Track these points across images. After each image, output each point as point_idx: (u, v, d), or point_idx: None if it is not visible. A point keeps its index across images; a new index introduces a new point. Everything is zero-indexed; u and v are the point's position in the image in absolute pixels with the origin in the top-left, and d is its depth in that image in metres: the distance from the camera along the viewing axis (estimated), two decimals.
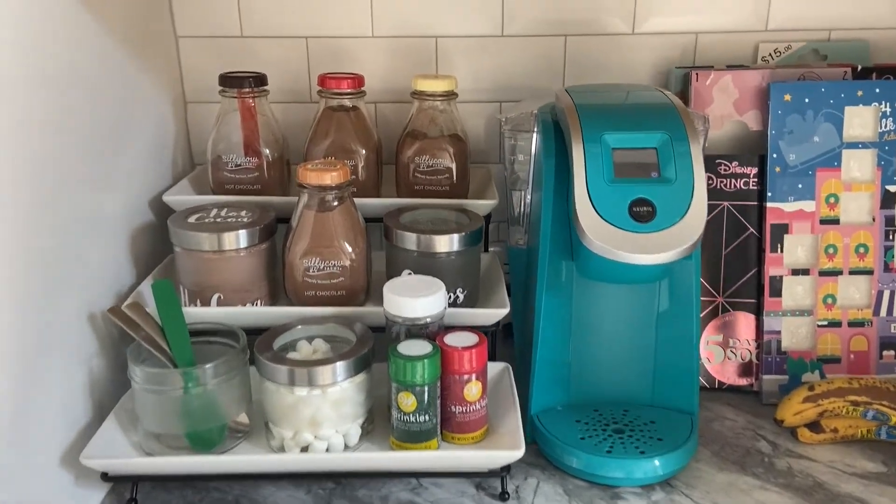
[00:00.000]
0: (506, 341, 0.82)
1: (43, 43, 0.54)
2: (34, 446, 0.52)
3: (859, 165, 0.73)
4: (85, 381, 0.60)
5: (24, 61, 0.51)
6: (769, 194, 0.73)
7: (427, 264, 0.65)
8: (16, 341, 0.50)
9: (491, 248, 0.80)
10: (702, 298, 0.75)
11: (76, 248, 0.58)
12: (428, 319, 0.58)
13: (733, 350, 0.76)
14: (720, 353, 0.76)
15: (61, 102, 0.56)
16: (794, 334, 0.74)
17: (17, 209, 0.51)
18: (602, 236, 0.56)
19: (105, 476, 0.56)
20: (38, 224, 0.53)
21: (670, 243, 0.56)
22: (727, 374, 0.76)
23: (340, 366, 0.55)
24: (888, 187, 0.73)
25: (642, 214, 0.57)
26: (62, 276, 0.56)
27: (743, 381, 0.76)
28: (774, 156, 0.73)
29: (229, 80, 0.73)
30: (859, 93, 0.72)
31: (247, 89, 0.73)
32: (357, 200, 0.68)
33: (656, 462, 0.61)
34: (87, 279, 0.60)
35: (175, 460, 0.55)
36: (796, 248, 0.74)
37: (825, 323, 0.74)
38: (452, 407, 0.58)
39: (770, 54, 0.81)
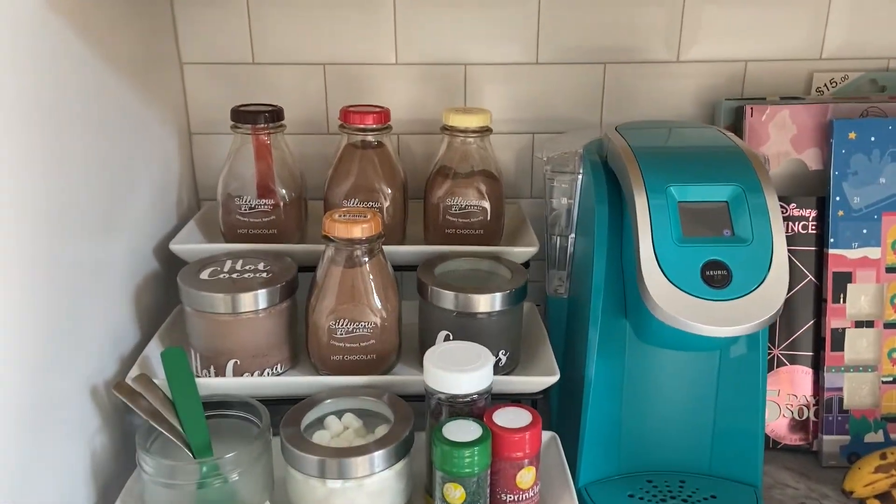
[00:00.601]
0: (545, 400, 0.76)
1: (37, 73, 0.47)
2: None
3: None
4: (87, 461, 0.53)
5: (15, 94, 0.44)
6: (831, 240, 0.67)
7: (466, 325, 0.58)
8: (10, 418, 0.43)
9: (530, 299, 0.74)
10: None
11: (75, 307, 0.52)
12: (475, 396, 0.52)
13: (789, 407, 0.70)
14: (776, 410, 0.70)
15: (56, 140, 0.49)
16: (856, 391, 0.68)
17: (10, 266, 0.44)
18: (672, 304, 0.50)
19: None
20: (36, 280, 0.46)
21: (749, 314, 0.50)
22: (780, 431, 0.70)
23: (379, 455, 0.48)
24: None
25: (717, 279, 0.50)
26: (60, 340, 0.50)
27: (797, 439, 0.70)
28: (837, 198, 0.67)
29: (242, 115, 0.66)
30: None
31: (262, 125, 0.66)
32: (385, 248, 0.61)
33: None
34: (87, 341, 0.54)
35: None
36: (860, 297, 0.68)
37: (890, 379, 0.68)
38: (503, 495, 0.51)
39: (825, 85, 0.75)
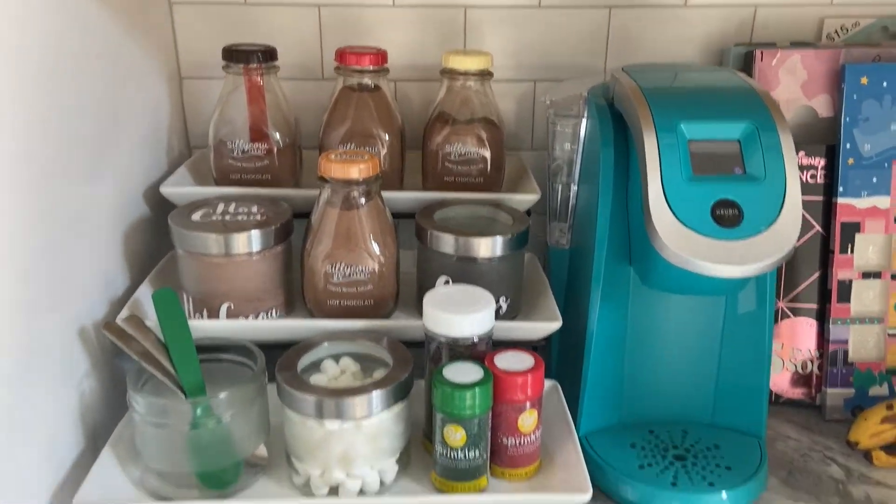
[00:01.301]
0: (545, 349, 0.75)
1: (21, 13, 0.44)
2: (18, 486, 0.44)
3: None
4: (75, 405, 0.51)
5: (0, 36, 0.42)
6: (840, 189, 0.66)
7: (466, 270, 0.57)
8: None
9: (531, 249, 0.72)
10: None
11: (64, 250, 0.50)
12: (475, 339, 0.50)
13: (793, 360, 0.69)
14: (778, 363, 0.69)
15: (43, 82, 0.47)
16: (862, 344, 0.67)
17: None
18: (680, 243, 0.48)
19: None
20: (20, 223, 0.44)
21: (760, 252, 0.48)
22: (783, 385, 0.69)
23: (377, 395, 0.47)
24: None
25: (727, 218, 0.49)
26: (48, 283, 0.48)
27: (800, 393, 0.69)
28: (848, 146, 0.65)
29: (234, 55, 0.63)
30: None
31: (254, 65, 0.64)
32: (384, 194, 0.59)
33: (724, 495, 0.55)
34: (77, 285, 0.52)
35: None
36: (868, 248, 0.66)
37: None
38: (504, 439, 0.50)
39: (836, 31, 0.73)
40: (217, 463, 0.48)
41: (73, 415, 0.51)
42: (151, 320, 0.53)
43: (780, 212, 0.49)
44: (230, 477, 0.49)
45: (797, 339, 0.68)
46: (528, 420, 0.50)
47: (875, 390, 0.67)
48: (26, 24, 0.45)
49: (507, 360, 0.50)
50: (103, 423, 0.54)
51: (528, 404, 0.49)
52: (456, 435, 0.47)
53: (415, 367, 0.51)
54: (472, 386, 0.47)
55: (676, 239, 0.49)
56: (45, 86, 0.47)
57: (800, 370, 0.69)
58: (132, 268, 0.60)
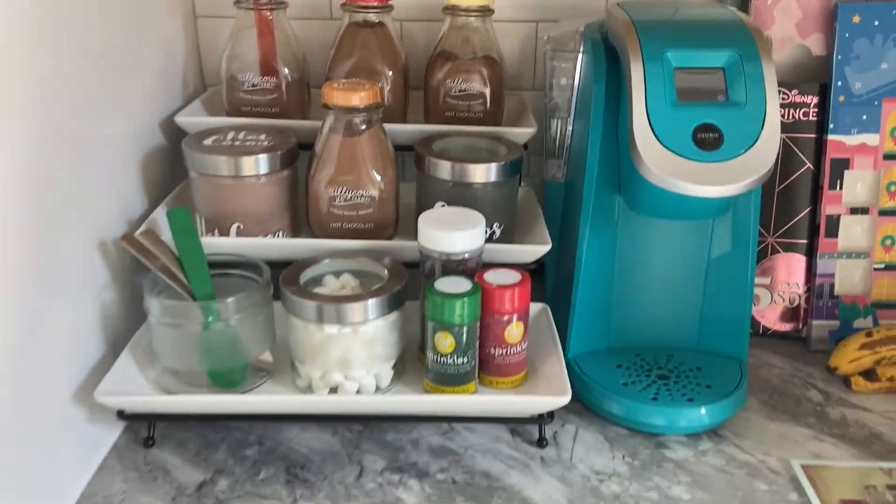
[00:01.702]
0: (534, 282, 0.78)
1: None
2: (44, 383, 0.49)
3: None
4: (96, 313, 0.55)
5: None
6: (831, 126, 0.67)
7: (462, 195, 0.60)
8: (22, 271, 0.46)
9: (523, 184, 0.75)
10: None
11: (84, 174, 0.53)
12: (466, 255, 0.53)
13: (781, 294, 0.71)
14: (767, 297, 0.71)
15: (64, 20, 0.50)
16: (848, 278, 0.70)
17: (21, 133, 0.45)
18: (662, 165, 0.51)
19: (121, 414, 0.53)
20: (43, 149, 0.48)
21: (738, 174, 0.51)
22: (773, 318, 0.71)
23: (373, 303, 0.51)
24: None
25: (708, 141, 0.51)
26: (70, 203, 0.51)
27: (788, 327, 0.71)
28: (839, 84, 0.67)
29: None
30: None
31: (264, 1, 0.66)
32: (386, 127, 0.62)
33: (703, 411, 0.58)
34: (96, 206, 0.56)
35: (195, 399, 0.52)
36: (856, 184, 0.68)
37: (882, 266, 0.69)
38: (492, 349, 0.54)
39: None
40: (226, 363, 0.52)
41: (94, 323, 0.55)
42: (167, 237, 0.56)
43: (758, 136, 0.51)
44: (238, 377, 0.53)
45: (786, 274, 0.71)
46: (514, 331, 0.53)
47: (860, 323, 0.70)
48: None
49: (496, 276, 0.53)
50: (122, 332, 0.58)
51: (514, 316, 0.53)
52: (445, 341, 0.51)
53: (412, 286, 0.55)
54: (460, 296, 0.50)
55: (659, 162, 0.51)
56: (64, 24, 0.50)
57: (788, 304, 0.71)
58: (149, 192, 0.64)
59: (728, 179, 0.50)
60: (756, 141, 0.51)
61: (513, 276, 0.53)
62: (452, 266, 0.54)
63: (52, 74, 0.49)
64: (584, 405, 0.61)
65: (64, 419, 0.51)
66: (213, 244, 0.58)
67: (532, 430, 0.58)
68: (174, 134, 0.67)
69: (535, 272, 0.75)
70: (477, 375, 0.54)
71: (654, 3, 0.62)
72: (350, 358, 0.51)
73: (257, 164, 0.58)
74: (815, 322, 0.70)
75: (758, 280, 0.71)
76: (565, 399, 0.52)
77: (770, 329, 0.72)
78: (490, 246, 0.57)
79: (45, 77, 0.48)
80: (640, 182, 0.53)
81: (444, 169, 0.60)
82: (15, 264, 0.45)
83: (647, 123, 0.52)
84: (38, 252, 0.48)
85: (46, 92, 0.48)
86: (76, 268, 0.53)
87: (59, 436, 0.50)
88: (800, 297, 0.71)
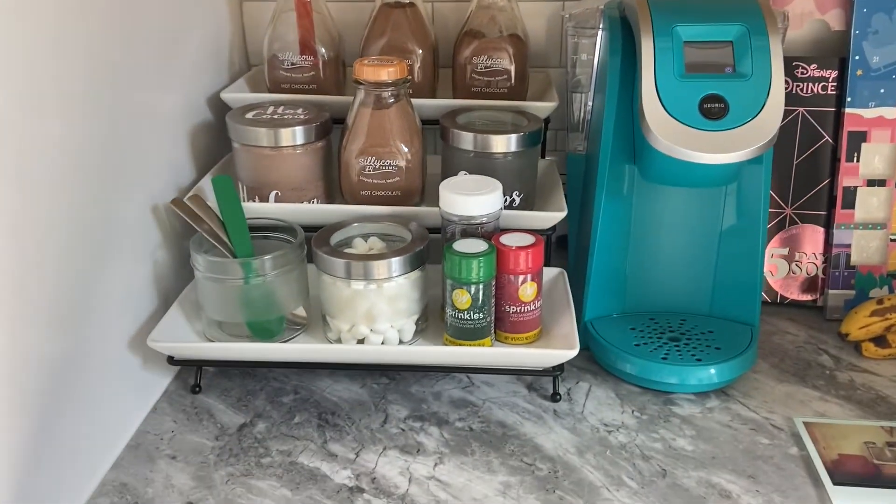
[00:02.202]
0: (559, 252, 0.81)
1: None
2: (104, 332, 0.54)
3: None
4: (149, 271, 0.61)
5: None
6: (849, 99, 0.69)
7: (484, 165, 0.63)
8: (82, 230, 0.51)
9: (548, 157, 0.78)
10: (769, 209, 0.72)
11: (138, 145, 0.59)
12: (484, 219, 0.57)
13: (798, 264, 0.73)
14: (785, 267, 0.73)
15: (121, 5, 0.56)
16: (864, 248, 0.71)
17: (84, 107, 0.51)
18: (669, 134, 0.54)
19: (171, 359, 0.58)
20: (101, 121, 0.53)
21: (742, 142, 0.53)
22: (791, 288, 0.73)
23: (396, 261, 0.55)
24: None
25: (713, 111, 0.54)
26: (126, 171, 0.57)
27: (807, 297, 0.73)
28: (857, 58, 0.68)
29: None
30: None
31: None
32: (414, 101, 0.66)
33: (712, 370, 0.61)
34: (149, 174, 0.61)
35: (237, 346, 0.57)
36: (874, 157, 0.70)
37: None
38: (507, 307, 0.58)
39: None
40: (263, 315, 0.57)
41: (148, 279, 0.61)
42: (212, 202, 0.62)
43: (763, 106, 0.54)
44: (275, 328, 0.58)
45: (805, 245, 0.73)
46: (528, 290, 0.57)
47: (875, 292, 0.71)
48: None
49: (512, 239, 0.57)
50: (173, 288, 0.64)
51: (528, 276, 0.57)
52: (462, 298, 0.55)
53: (436, 251, 0.59)
54: (476, 255, 0.54)
55: (666, 131, 0.54)
56: (121, 8, 0.56)
57: (806, 274, 0.73)
58: (197, 162, 0.70)
59: (731, 147, 0.53)
60: (760, 111, 0.54)
61: (527, 240, 0.57)
62: (471, 230, 0.58)
63: (111, 54, 0.55)
64: (599, 366, 0.65)
65: (121, 364, 0.57)
66: (254, 209, 0.63)
67: (547, 386, 0.62)
68: (220, 109, 0.72)
69: (560, 241, 0.79)
70: (493, 331, 0.58)
71: None
72: (375, 312, 0.56)
73: (294, 136, 0.63)
74: (831, 291, 0.72)
75: (776, 251, 0.73)
76: (573, 352, 0.55)
77: (788, 299, 0.74)
78: (508, 212, 0.61)
79: (103, 56, 0.54)
80: (649, 151, 0.56)
81: (466, 140, 0.63)
82: (78, 226, 0.51)
83: (656, 94, 0.55)
84: (99, 215, 0.53)
85: (105, 70, 0.54)
86: (132, 229, 0.59)
87: (117, 379, 0.56)
88: (817, 267, 0.73)
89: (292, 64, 0.73)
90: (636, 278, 0.67)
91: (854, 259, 0.71)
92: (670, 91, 0.54)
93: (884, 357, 0.66)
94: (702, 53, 0.55)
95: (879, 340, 0.66)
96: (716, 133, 0.53)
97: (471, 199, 0.56)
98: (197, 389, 0.62)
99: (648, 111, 0.54)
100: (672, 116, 0.54)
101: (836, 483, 0.52)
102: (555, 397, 0.60)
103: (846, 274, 0.71)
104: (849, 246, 0.71)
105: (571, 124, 0.75)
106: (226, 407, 0.61)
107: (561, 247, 0.82)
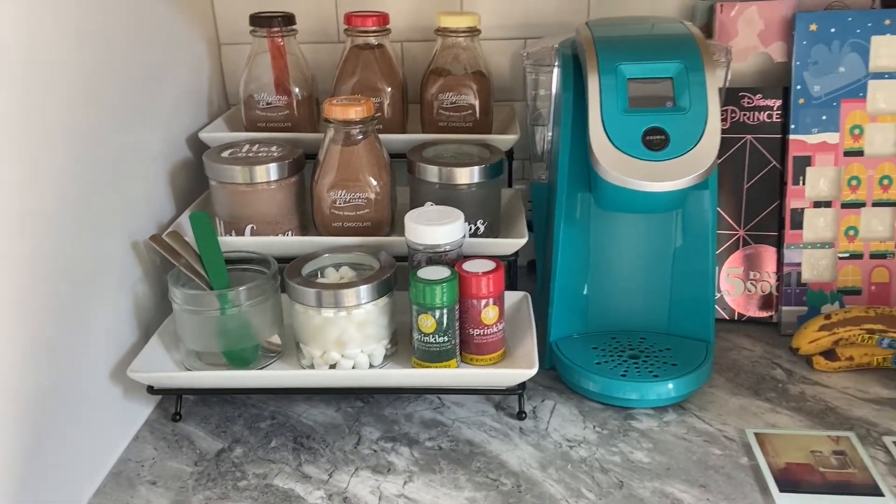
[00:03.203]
0: (530, 276, 0.85)
1: None
2: (84, 362, 0.57)
3: (885, 96, 0.72)
4: (130, 304, 0.64)
5: (70, 9, 0.54)
6: (792, 126, 0.73)
7: (449, 196, 0.67)
8: (66, 266, 0.55)
9: (515, 186, 0.82)
10: (723, 232, 0.76)
11: (120, 183, 0.62)
12: (447, 247, 0.61)
13: (754, 282, 0.77)
14: (740, 286, 0.77)
15: (104, 47, 0.59)
16: (814, 266, 0.75)
17: (68, 147, 0.54)
18: (616, 165, 0.58)
19: (151, 389, 0.61)
20: (84, 160, 0.57)
21: (682, 170, 0.57)
22: (747, 306, 0.77)
23: (364, 289, 0.58)
24: None
25: (655, 143, 0.58)
26: (107, 208, 0.60)
27: (763, 314, 0.77)
28: (798, 87, 0.73)
29: (259, 20, 0.75)
30: (887, 21, 0.71)
31: (276, 28, 0.75)
32: (382, 136, 0.70)
33: (669, 385, 0.64)
34: (130, 211, 0.64)
35: (214, 374, 0.60)
36: (818, 180, 0.74)
37: (846, 255, 0.74)
38: (471, 330, 0.61)
39: None
40: (239, 344, 0.60)
41: (128, 312, 0.64)
42: (190, 238, 0.65)
43: (700, 137, 0.58)
44: (250, 356, 0.61)
45: (758, 264, 0.76)
46: (490, 314, 0.60)
47: (826, 308, 0.75)
48: (84, 3, 0.58)
49: (474, 265, 0.61)
50: (152, 321, 0.67)
51: (490, 300, 0.60)
52: (427, 322, 0.58)
53: (405, 279, 0.62)
54: (439, 282, 0.58)
55: (612, 162, 0.58)
56: (106, 50, 0.60)
57: (761, 292, 0.77)
58: (176, 200, 0.73)
59: (673, 176, 0.57)
60: (699, 142, 0.57)
61: (488, 266, 0.61)
62: (436, 257, 0.61)
63: (94, 95, 0.58)
64: (564, 384, 0.68)
65: (103, 394, 0.60)
66: (230, 243, 0.66)
67: (514, 405, 0.65)
68: (199, 148, 0.76)
69: (531, 266, 0.82)
70: (458, 354, 0.61)
71: (617, 21, 0.69)
72: (345, 339, 0.59)
73: (268, 173, 0.66)
74: (784, 308, 0.75)
75: (732, 270, 0.77)
76: (532, 371, 0.58)
77: (745, 316, 0.77)
78: (472, 240, 0.65)
79: (87, 98, 0.57)
80: (600, 180, 0.60)
81: (432, 172, 0.67)
82: (62, 262, 0.54)
83: (602, 128, 0.58)
84: (82, 250, 0.57)
85: (89, 111, 0.57)
86: (113, 265, 0.62)
87: (99, 409, 0.59)
88: (771, 285, 0.76)
89: (268, 103, 0.77)
90: (597, 300, 0.71)
91: (805, 277, 0.75)
92: (615, 124, 0.58)
93: (834, 370, 0.69)
94: (644, 89, 0.59)
95: (829, 354, 0.69)
96: (658, 163, 0.57)
97: (434, 228, 0.60)
98: (177, 417, 0.65)
99: (595, 143, 0.58)
100: (617, 148, 0.58)
101: (782, 490, 0.55)
102: (520, 415, 0.63)
103: (798, 291, 0.75)
104: (799, 264, 0.75)
105: (535, 155, 0.79)
106: (205, 434, 0.64)
107: (532, 271, 0.86)
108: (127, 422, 0.63)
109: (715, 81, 0.59)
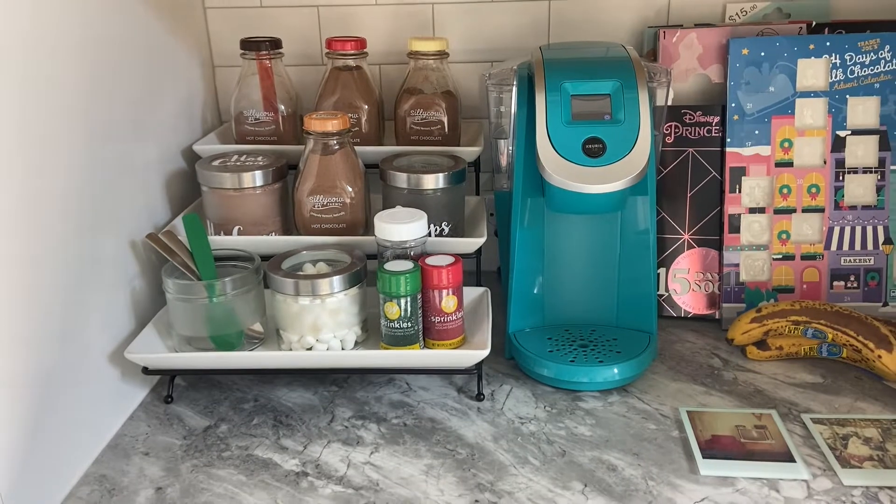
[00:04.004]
0: (500, 281, 0.92)
1: (90, 15, 0.65)
2: (86, 349, 0.64)
3: (811, 113, 0.80)
4: (128, 297, 0.71)
5: (73, 31, 0.62)
6: (729, 140, 0.81)
7: (416, 200, 0.75)
8: (71, 262, 0.62)
9: (482, 194, 0.89)
10: (670, 236, 0.83)
11: (120, 189, 0.70)
12: (412, 243, 0.68)
13: (698, 283, 0.84)
14: (686, 285, 0.84)
15: (109, 67, 0.67)
16: (751, 267, 0.82)
17: (71, 155, 0.62)
18: (560, 171, 0.66)
19: (145, 370, 0.68)
20: (88, 167, 0.64)
21: (617, 175, 0.65)
22: (694, 304, 0.84)
23: (337, 279, 0.66)
24: (838, 132, 0.80)
25: (594, 151, 0.66)
26: (108, 211, 0.68)
27: (708, 311, 0.84)
28: (733, 105, 0.81)
29: (249, 44, 0.83)
30: (811, 46, 0.79)
31: (264, 52, 0.83)
32: (359, 148, 0.78)
33: (615, 370, 0.71)
34: (129, 215, 0.72)
35: (203, 356, 0.67)
36: (753, 188, 0.81)
37: (780, 256, 0.82)
38: (432, 317, 0.68)
39: (737, 14, 0.88)
40: (226, 329, 0.67)
41: (126, 304, 0.71)
42: (183, 238, 0.72)
43: (633, 146, 0.65)
44: (235, 341, 0.68)
45: (702, 265, 0.84)
46: (449, 303, 0.67)
47: (763, 305, 0.82)
48: (94, 23, 0.66)
49: (435, 260, 0.68)
50: (147, 312, 0.74)
51: (449, 290, 0.67)
52: (392, 310, 0.66)
53: (374, 274, 0.69)
54: (404, 273, 0.65)
55: (557, 168, 0.66)
56: (109, 69, 0.68)
57: (704, 291, 0.84)
58: (171, 204, 0.81)
59: (609, 179, 0.65)
60: (632, 150, 0.65)
61: (448, 260, 0.68)
62: (402, 253, 0.69)
63: (99, 113, 0.66)
64: (521, 372, 0.75)
65: (101, 378, 0.66)
66: (219, 242, 0.73)
67: (473, 388, 0.72)
68: (193, 159, 0.84)
69: (498, 273, 0.89)
70: (422, 339, 0.68)
71: (568, 45, 0.77)
72: (319, 324, 0.66)
73: (254, 179, 0.74)
74: (725, 305, 0.83)
75: (678, 271, 0.84)
76: (485, 352, 0.66)
77: (690, 313, 0.84)
78: (436, 239, 0.72)
79: (92, 115, 0.65)
80: (547, 185, 0.67)
81: (401, 179, 0.75)
82: (68, 259, 0.61)
83: (548, 138, 0.66)
84: (86, 249, 0.64)
85: (96, 125, 0.65)
86: (113, 261, 0.69)
87: (97, 390, 0.66)
88: (713, 284, 0.84)
89: (256, 119, 0.85)
90: (552, 295, 0.78)
91: (743, 277, 0.82)
92: (559, 135, 0.66)
93: (765, 358, 0.76)
94: (585, 104, 0.67)
95: (761, 344, 0.76)
96: (596, 168, 0.65)
97: (400, 226, 0.67)
98: (169, 399, 0.71)
99: (542, 152, 0.66)
100: (561, 156, 0.66)
101: (705, 457, 0.62)
102: (479, 397, 0.70)
103: (737, 289, 0.82)
104: (738, 265, 0.82)
105: (497, 166, 0.87)
106: (194, 413, 0.70)
107: (499, 273, 0.93)
108: (123, 403, 0.70)
109: (646, 97, 0.67)
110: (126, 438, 0.67)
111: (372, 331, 0.72)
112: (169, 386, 0.72)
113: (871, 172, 0.80)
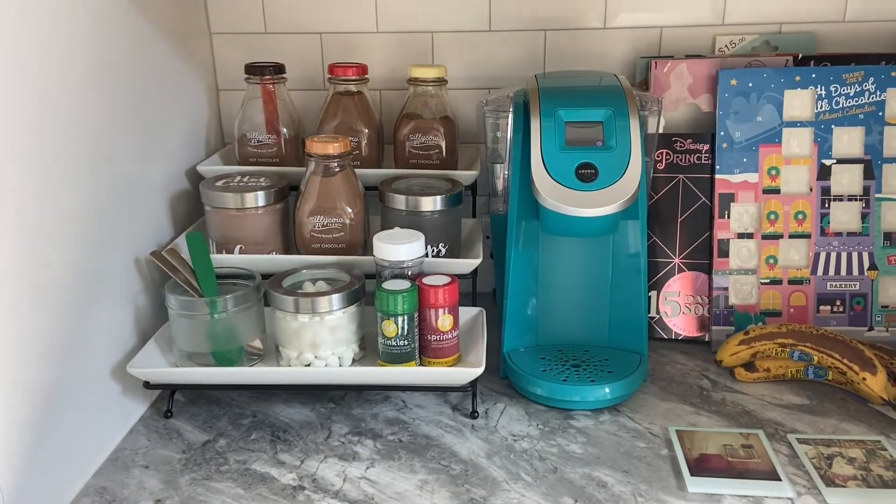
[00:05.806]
0: (496, 302, 0.94)
1: (99, 41, 0.67)
2: (89, 364, 0.65)
3: (798, 142, 0.83)
4: (131, 313, 0.73)
5: (85, 57, 0.65)
6: (718, 167, 0.83)
7: (414, 222, 0.77)
8: (77, 278, 0.63)
9: (479, 217, 0.91)
10: (661, 259, 0.86)
11: (126, 208, 0.72)
12: (410, 263, 0.70)
13: (688, 306, 0.86)
14: (677, 308, 0.86)
15: (117, 90, 0.70)
16: (740, 291, 0.84)
17: (79, 175, 0.64)
18: (553, 195, 0.68)
19: (147, 384, 0.70)
20: (97, 188, 0.66)
21: (609, 199, 0.67)
22: (684, 327, 0.86)
23: (336, 297, 0.67)
24: (823, 161, 0.83)
25: (587, 176, 0.68)
26: (114, 229, 0.70)
27: (698, 334, 0.86)
28: (722, 133, 0.83)
29: (253, 69, 0.86)
30: (797, 78, 0.82)
31: (268, 76, 0.86)
32: (359, 171, 0.80)
33: (606, 389, 0.72)
34: (134, 233, 0.74)
35: (203, 371, 0.69)
36: (742, 214, 0.84)
37: (767, 281, 0.84)
38: (429, 336, 0.70)
39: (726, 45, 0.91)
40: (226, 346, 0.69)
41: (130, 320, 0.73)
42: (186, 256, 0.74)
43: (624, 172, 0.68)
44: (235, 357, 0.70)
45: (692, 289, 0.86)
46: (445, 322, 0.69)
47: (752, 329, 0.84)
48: (104, 47, 0.68)
49: (432, 280, 0.70)
50: (150, 328, 0.76)
51: (445, 309, 0.69)
52: (389, 328, 0.67)
53: (372, 294, 0.71)
54: (401, 292, 0.67)
55: (550, 192, 0.68)
56: (117, 93, 0.70)
57: (694, 314, 0.86)
58: (175, 224, 0.83)
59: (601, 203, 0.67)
60: (623, 175, 0.68)
61: (444, 280, 0.70)
62: (399, 273, 0.70)
63: (107, 135, 0.68)
64: (515, 391, 0.77)
65: (103, 391, 0.68)
66: (221, 260, 0.75)
67: (468, 406, 0.73)
68: (197, 179, 0.86)
69: (494, 295, 0.91)
70: (418, 357, 0.70)
71: (562, 74, 0.80)
72: (318, 341, 0.68)
73: (256, 199, 0.76)
74: (714, 328, 0.85)
75: (669, 294, 0.86)
76: (479, 370, 0.67)
77: (681, 335, 0.86)
78: (433, 259, 0.74)
79: (101, 135, 0.67)
80: (541, 208, 0.70)
81: (399, 201, 0.77)
82: (74, 274, 0.63)
83: (542, 163, 0.69)
84: (91, 265, 0.66)
85: (101, 146, 0.67)
86: (118, 278, 0.71)
87: (99, 404, 0.67)
88: (703, 307, 0.86)
89: (259, 141, 0.87)
90: (545, 316, 0.80)
91: (732, 300, 0.84)
92: (553, 160, 0.69)
93: (753, 380, 0.78)
94: (578, 131, 0.70)
95: (749, 366, 0.78)
96: (588, 192, 0.67)
97: (398, 247, 0.69)
98: (169, 414, 0.73)
99: (536, 176, 0.68)
100: (555, 180, 0.68)
101: (693, 475, 0.63)
102: (473, 414, 0.72)
103: (726, 313, 0.84)
104: (727, 289, 0.84)
105: (494, 190, 0.89)
106: (193, 428, 0.72)
107: (496, 295, 0.95)
108: (124, 417, 0.71)
109: (637, 125, 0.69)
110: (126, 452, 0.68)
111: (369, 349, 0.73)
112: (169, 401, 0.73)
113: (856, 200, 0.83)
